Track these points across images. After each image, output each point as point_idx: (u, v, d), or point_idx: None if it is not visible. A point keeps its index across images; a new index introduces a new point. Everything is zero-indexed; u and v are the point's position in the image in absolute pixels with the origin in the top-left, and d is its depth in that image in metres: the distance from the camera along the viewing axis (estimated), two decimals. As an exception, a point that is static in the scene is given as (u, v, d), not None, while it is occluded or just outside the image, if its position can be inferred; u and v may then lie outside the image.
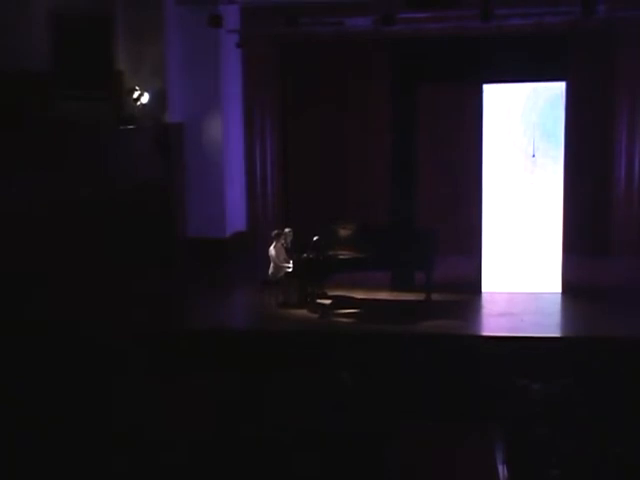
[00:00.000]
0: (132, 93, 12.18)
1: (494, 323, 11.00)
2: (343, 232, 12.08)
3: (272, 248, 11.89)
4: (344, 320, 11.31)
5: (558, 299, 11.95)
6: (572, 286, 12.17)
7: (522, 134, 12.22)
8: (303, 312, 11.55)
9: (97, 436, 7.29)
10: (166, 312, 11.36)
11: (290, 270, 11.81)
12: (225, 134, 13.80)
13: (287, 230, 12.24)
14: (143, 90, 12.26)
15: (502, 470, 7.14)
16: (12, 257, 8.80)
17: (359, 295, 12.21)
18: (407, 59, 13.07)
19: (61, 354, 8.92)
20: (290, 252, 12.01)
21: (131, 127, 11.98)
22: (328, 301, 11.97)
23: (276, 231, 12.14)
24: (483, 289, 12.33)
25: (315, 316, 11.40)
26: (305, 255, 11.78)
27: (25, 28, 9.83)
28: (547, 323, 10.83)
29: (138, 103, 12.24)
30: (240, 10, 13.75)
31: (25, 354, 8.58)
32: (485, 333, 10.67)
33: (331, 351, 9.87)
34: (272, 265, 11.89)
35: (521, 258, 12.28)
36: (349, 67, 14.84)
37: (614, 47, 14.00)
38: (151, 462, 6.83)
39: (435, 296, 11.71)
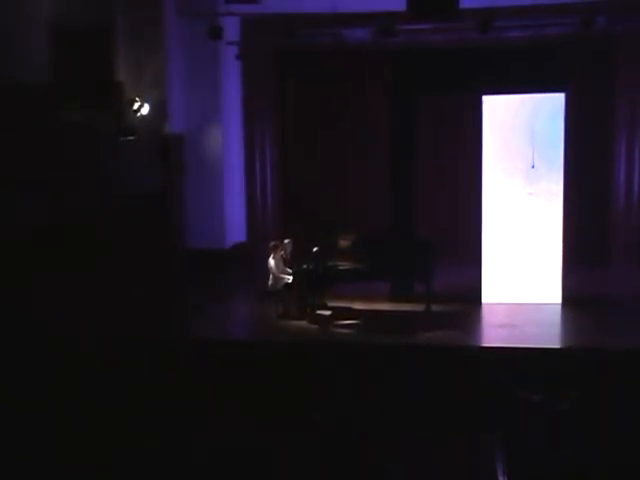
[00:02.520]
0: (132, 104, 12.19)
1: (494, 334, 10.99)
2: (343, 243, 12.07)
3: (271, 259, 11.89)
4: (344, 331, 11.30)
5: (558, 310, 11.93)
6: (572, 297, 12.15)
7: (522, 145, 12.23)
8: (303, 323, 11.54)
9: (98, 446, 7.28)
10: (166, 323, 11.33)
11: (290, 281, 11.80)
12: (225, 145, 13.82)
13: (286, 241, 12.24)
14: (143, 101, 12.27)
15: (502, 481, 7.12)
16: (11, 265, 8.80)
17: (359, 306, 12.20)
18: (407, 70, 13.11)
19: (60, 362, 8.91)
20: (290, 263, 12.01)
21: (131, 138, 11.99)
22: (328, 312, 11.96)
23: (274, 242, 12.15)
24: (483, 300, 12.32)
25: (315, 327, 11.39)
26: (305, 266, 11.78)
27: (25, 39, 9.84)
28: (547, 334, 10.82)
29: (138, 114, 12.25)
30: (240, 22, 13.79)
31: (23, 361, 8.57)
32: (485, 344, 10.66)
33: (331, 362, 9.85)
34: (271, 276, 11.89)
35: (521, 269, 12.27)
36: (349, 78, 14.87)
37: (613, 58, 14.02)
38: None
39: (435, 307, 11.71)
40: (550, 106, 12.11)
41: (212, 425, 7.74)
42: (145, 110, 12.30)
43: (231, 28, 13.29)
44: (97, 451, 7.12)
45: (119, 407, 8.12)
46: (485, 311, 12.06)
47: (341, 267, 11.81)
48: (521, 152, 12.23)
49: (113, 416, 7.87)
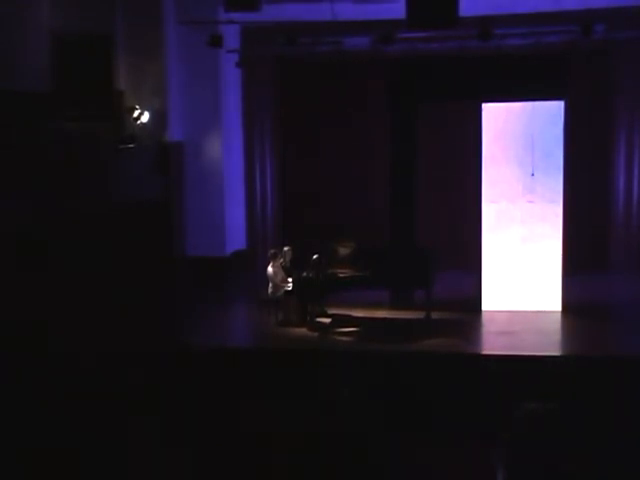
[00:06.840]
0: (132, 112, 12.23)
1: (494, 341, 10.97)
2: (342, 250, 12.07)
3: (270, 268, 11.90)
4: (344, 338, 11.30)
5: (558, 317, 11.92)
6: (572, 304, 12.14)
7: (521, 152, 12.25)
8: (303, 330, 11.53)
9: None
10: (166, 331, 11.33)
11: (289, 289, 11.80)
12: (225, 153, 13.84)
13: (286, 249, 12.24)
14: (143, 109, 12.32)
15: (502, 489, 7.10)
16: (11, 273, 8.81)
17: (359, 313, 12.20)
18: (406, 78, 13.12)
19: (59, 370, 8.90)
20: (289, 271, 12.00)
21: (131, 146, 12.02)
22: (328, 319, 11.95)
23: (273, 251, 12.15)
24: (483, 307, 12.31)
25: (315, 334, 11.39)
26: (304, 273, 11.77)
27: (25, 48, 9.89)
28: (547, 341, 10.81)
29: (138, 122, 12.30)
30: (240, 30, 13.82)
31: (22, 368, 8.57)
32: (485, 351, 10.65)
33: (331, 369, 9.83)
34: (271, 284, 11.88)
35: (521, 276, 12.26)
36: (348, 86, 14.88)
37: (612, 66, 14.05)
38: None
39: (435, 314, 11.69)
40: (549, 113, 12.13)
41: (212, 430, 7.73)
42: (145, 118, 12.34)
43: (231, 36, 13.32)
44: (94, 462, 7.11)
45: (115, 415, 8.11)
46: (485, 318, 12.04)
47: (341, 274, 11.81)
48: (521, 159, 12.25)
49: (111, 424, 7.87)
